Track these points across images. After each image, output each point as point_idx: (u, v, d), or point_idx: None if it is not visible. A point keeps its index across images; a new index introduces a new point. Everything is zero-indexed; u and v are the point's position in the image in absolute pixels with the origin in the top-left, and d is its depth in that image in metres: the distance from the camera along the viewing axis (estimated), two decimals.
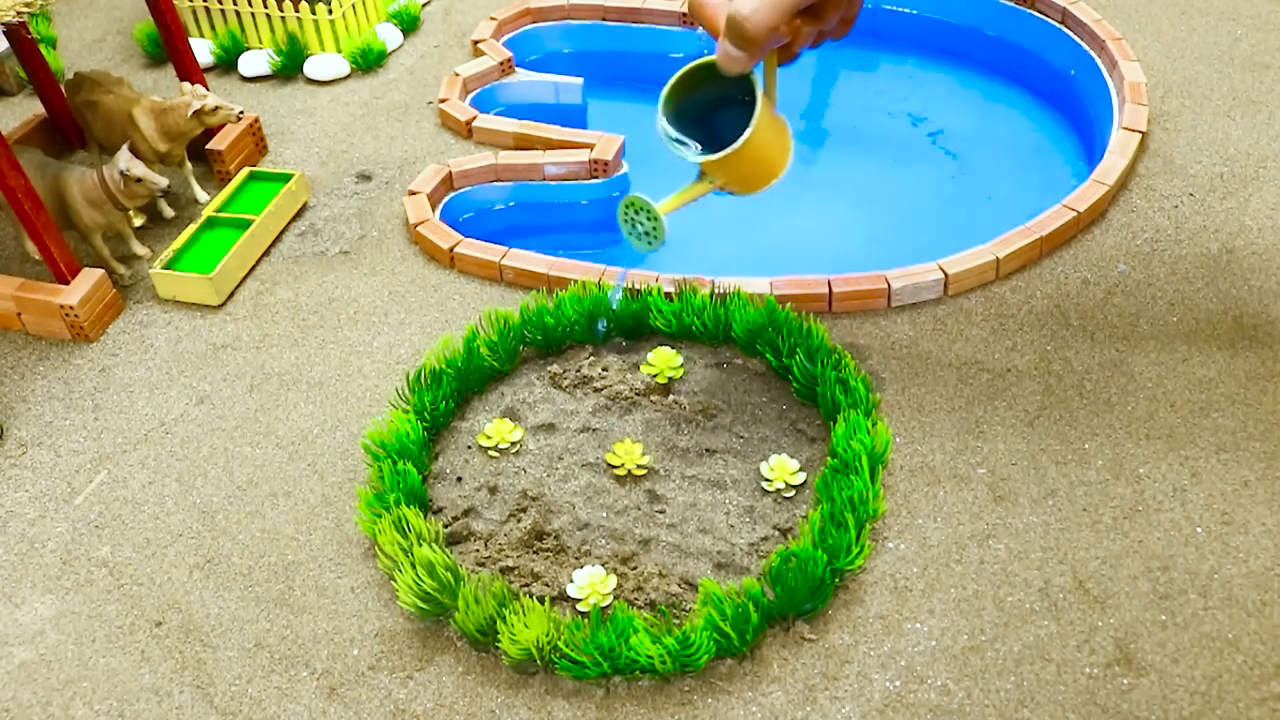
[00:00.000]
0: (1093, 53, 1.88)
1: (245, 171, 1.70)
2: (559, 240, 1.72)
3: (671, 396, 1.31)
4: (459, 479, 1.22)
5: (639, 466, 1.22)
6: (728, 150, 0.97)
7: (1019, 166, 1.83)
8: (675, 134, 1.02)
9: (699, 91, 1.02)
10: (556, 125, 1.78)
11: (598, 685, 1.03)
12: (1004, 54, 2.05)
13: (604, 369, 1.34)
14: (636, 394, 1.31)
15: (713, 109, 1.03)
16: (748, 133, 0.96)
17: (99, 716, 1.05)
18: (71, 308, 1.45)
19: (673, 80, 1.01)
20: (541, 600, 1.07)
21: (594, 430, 1.27)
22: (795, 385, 1.28)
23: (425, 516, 1.16)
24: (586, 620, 1.05)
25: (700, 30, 2.05)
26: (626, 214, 1.04)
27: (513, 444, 1.26)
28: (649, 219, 1.03)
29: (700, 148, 1.02)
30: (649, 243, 1.04)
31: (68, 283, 1.46)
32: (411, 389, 1.28)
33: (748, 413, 1.28)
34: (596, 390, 1.32)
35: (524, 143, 1.76)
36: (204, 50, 2.03)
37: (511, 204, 1.72)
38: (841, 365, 1.27)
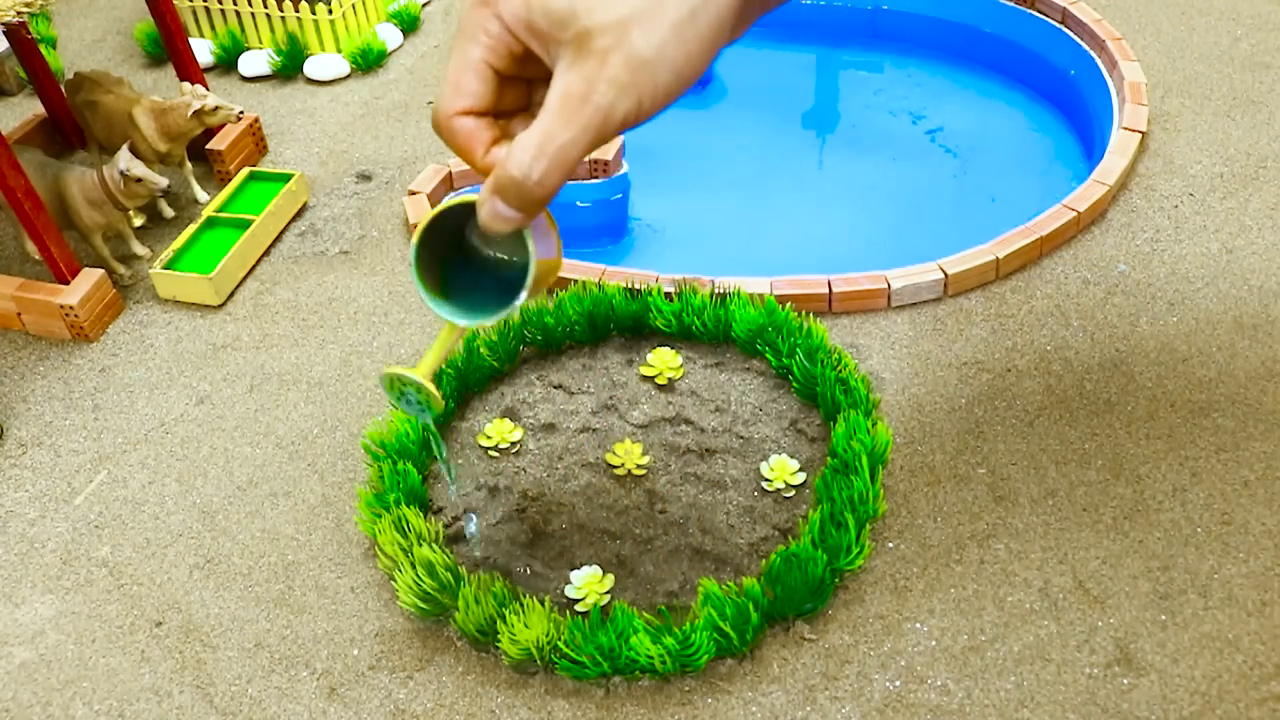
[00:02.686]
0: (1093, 53, 1.88)
1: (245, 171, 1.70)
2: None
3: (671, 396, 1.31)
4: (453, 502, 1.22)
5: (639, 466, 1.22)
6: (513, 307, 0.80)
7: (1019, 166, 1.83)
8: (445, 302, 0.84)
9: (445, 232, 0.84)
10: None
11: (598, 685, 1.03)
12: (1004, 54, 2.05)
13: (604, 369, 1.34)
14: (637, 394, 1.31)
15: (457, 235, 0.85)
16: (523, 294, 0.80)
17: (99, 716, 1.05)
18: (71, 308, 1.45)
19: (422, 226, 0.82)
20: (541, 600, 1.07)
21: (594, 430, 1.27)
22: (795, 385, 1.28)
23: (425, 516, 1.16)
24: (586, 620, 1.05)
25: None
26: (393, 391, 0.89)
27: (513, 444, 1.26)
28: (417, 390, 0.87)
29: (506, 305, 0.81)
30: (422, 410, 0.89)
31: (68, 283, 1.46)
32: None
33: (748, 413, 1.28)
34: (596, 390, 1.32)
35: None
36: (204, 50, 2.03)
37: None
38: (841, 365, 1.27)
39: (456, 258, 0.86)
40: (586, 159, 1.67)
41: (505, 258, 0.85)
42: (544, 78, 0.74)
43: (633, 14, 0.70)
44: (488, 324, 0.82)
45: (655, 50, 0.70)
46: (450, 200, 0.80)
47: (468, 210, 0.79)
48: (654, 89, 0.72)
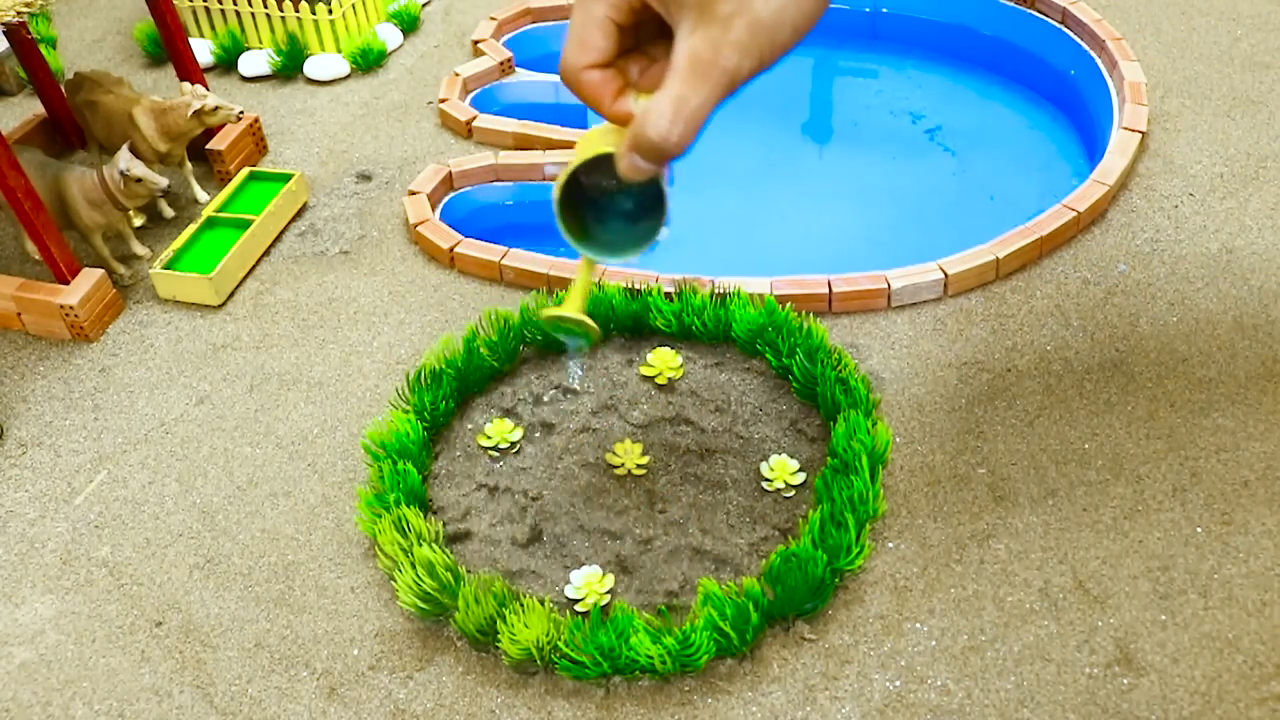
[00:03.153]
0: (1093, 53, 1.88)
1: (245, 171, 1.70)
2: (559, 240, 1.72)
3: (671, 396, 1.31)
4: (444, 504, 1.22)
5: (639, 466, 1.22)
6: (659, 238, 0.89)
7: (1019, 166, 1.83)
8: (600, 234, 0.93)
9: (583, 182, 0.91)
10: (556, 125, 1.78)
11: (598, 685, 1.03)
12: (1004, 54, 2.05)
13: (604, 369, 1.34)
14: (637, 394, 1.31)
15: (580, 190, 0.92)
16: (664, 231, 0.89)
17: (99, 716, 1.05)
18: (71, 308, 1.45)
19: (563, 175, 0.88)
20: (541, 600, 1.07)
21: (594, 430, 1.27)
22: (795, 385, 1.28)
23: (425, 516, 1.16)
24: (586, 620, 1.05)
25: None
26: (557, 331, 1.01)
27: (513, 444, 1.26)
28: (577, 325, 0.99)
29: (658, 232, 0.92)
30: (585, 338, 1.01)
31: (68, 283, 1.46)
32: (411, 389, 1.28)
33: (748, 413, 1.28)
34: (596, 390, 1.32)
35: (524, 143, 1.76)
36: (204, 50, 2.03)
37: (510, 203, 1.72)
38: (841, 365, 1.27)
39: (587, 207, 0.93)
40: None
41: (631, 208, 0.94)
42: (655, 24, 0.81)
43: None
44: (633, 258, 0.92)
45: (775, 13, 0.77)
46: (587, 153, 0.86)
47: (603, 161, 0.86)
48: (773, 46, 0.79)
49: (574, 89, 0.85)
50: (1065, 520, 1.14)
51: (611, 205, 0.94)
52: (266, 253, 1.61)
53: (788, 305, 1.35)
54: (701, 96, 0.78)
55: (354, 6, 2.03)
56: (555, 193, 0.88)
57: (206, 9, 2.04)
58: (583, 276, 0.95)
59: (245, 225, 1.58)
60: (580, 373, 1.25)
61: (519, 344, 1.36)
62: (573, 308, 0.97)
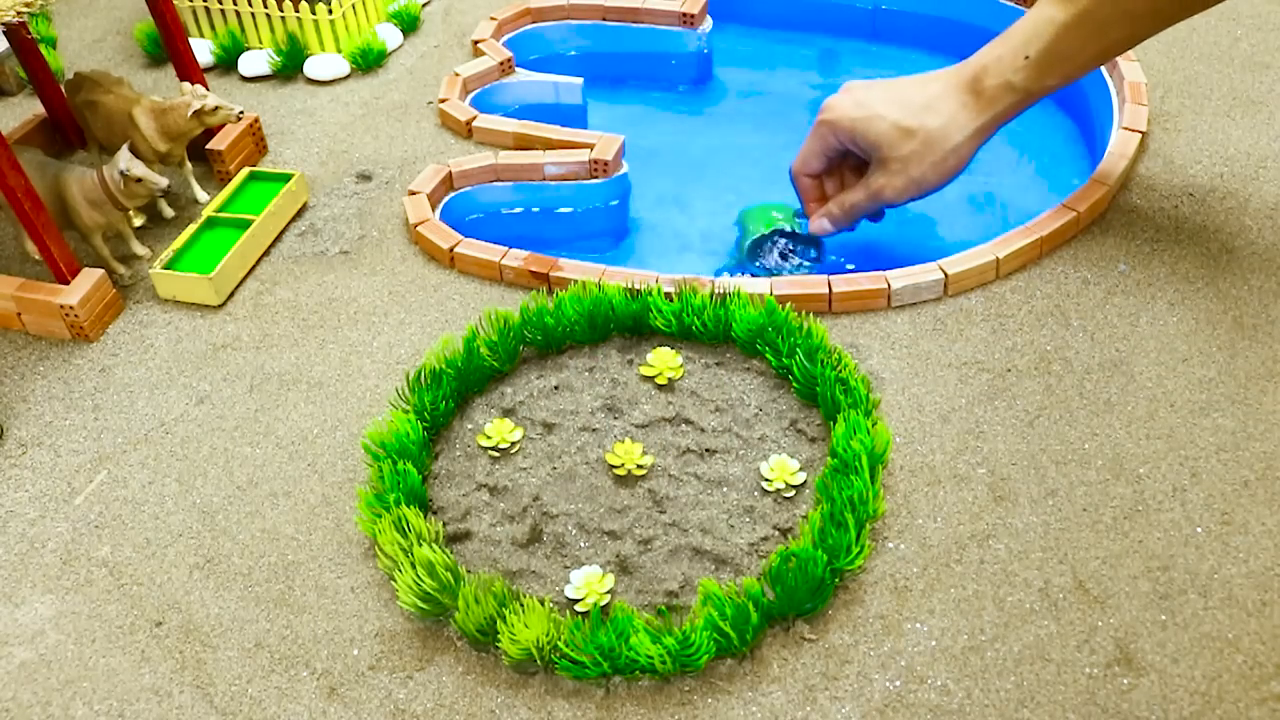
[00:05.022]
0: None
1: (245, 171, 1.70)
2: (559, 240, 1.72)
3: (671, 396, 1.31)
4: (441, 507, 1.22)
5: (639, 466, 1.22)
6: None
7: (1019, 166, 1.83)
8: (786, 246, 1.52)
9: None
10: (556, 125, 1.78)
11: (598, 685, 1.03)
12: None
13: (604, 369, 1.34)
14: (637, 394, 1.31)
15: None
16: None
17: (99, 716, 1.05)
18: (71, 308, 1.45)
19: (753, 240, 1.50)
20: (541, 601, 1.07)
21: (594, 430, 1.27)
22: (795, 385, 1.28)
23: (425, 517, 1.16)
24: (586, 620, 1.05)
25: (703, 32, 2.05)
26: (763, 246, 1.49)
27: (513, 444, 1.26)
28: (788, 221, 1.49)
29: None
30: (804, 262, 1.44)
31: (68, 283, 1.46)
32: (411, 389, 1.28)
33: (748, 413, 1.28)
34: (596, 390, 1.32)
35: (524, 143, 1.76)
36: (204, 50, 2.03)
37: (517, 209, 1.72)
38: (841, 365, 1.27)
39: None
40: (587, 159, 1.67)
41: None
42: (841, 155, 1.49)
43: (912, 154, 1.37)
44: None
45: (923, 175, 1.40)
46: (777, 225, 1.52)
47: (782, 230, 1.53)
48: (919, 189, 1.42)
49: (795, 184, 1.52)
50: (1065, 520, 1.15)
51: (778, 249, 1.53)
52: (266, 253, 1.61)
53: (788, 305, 1.35)
54: (863, 207, 1.46)
55: (354, 6, 2.03)
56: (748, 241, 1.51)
57: (206, 9, 2.04)
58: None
59: (245, 225, 1.58)
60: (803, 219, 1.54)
61: (519, 344, 1.36)
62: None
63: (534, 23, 2.12)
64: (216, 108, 1.60)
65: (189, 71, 1.71)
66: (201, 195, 1.73)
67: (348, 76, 2.01)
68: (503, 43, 2.04)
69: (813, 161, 1.44)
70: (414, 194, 1.64)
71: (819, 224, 1.46)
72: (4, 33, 1.85)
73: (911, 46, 2.13)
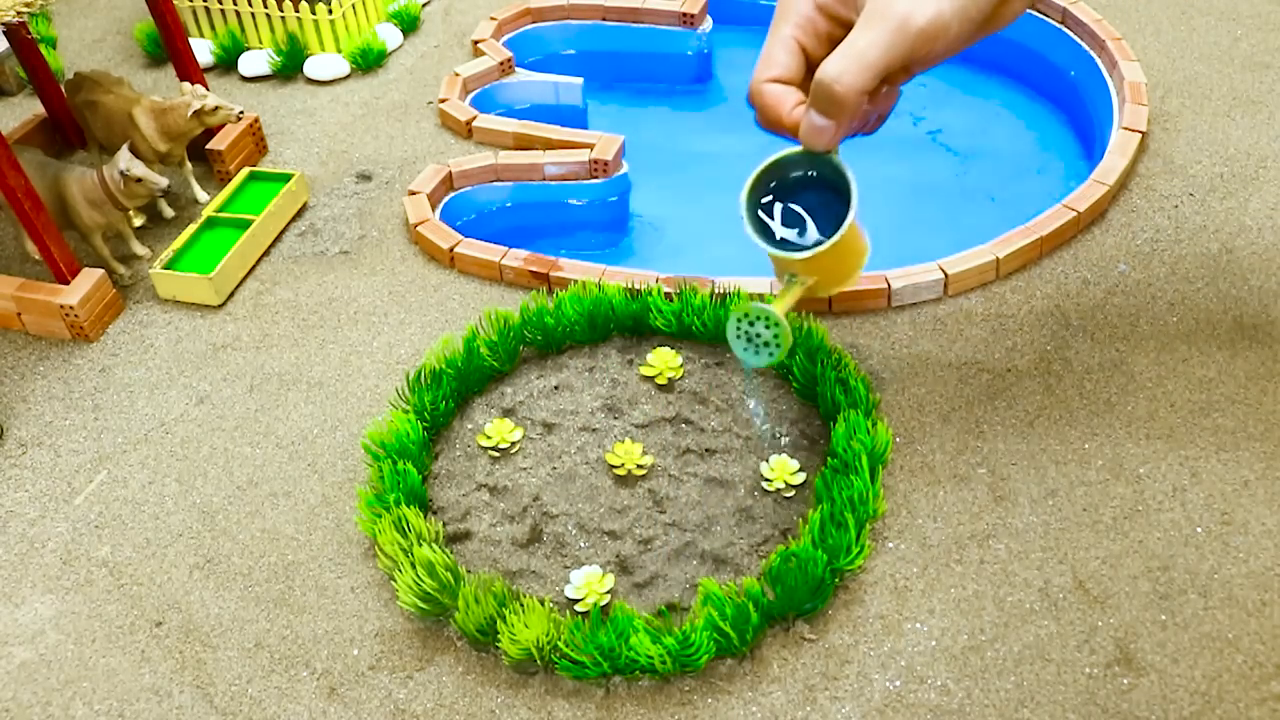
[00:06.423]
0: (1093, 53, 1.88)
1: (245, 171, 1.70)
2: (559, 240, 1.72)
3: (671, 396, 1.31)
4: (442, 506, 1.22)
5: (639, 466, 1.22)
6: (840, 232, 0.89)
7: (1019, 166, 1.83)
8: (779, 232, 0.93)
9: (764, 190, 0.94)
10: (556, 125, 1.78)
11: (598, 685, 1.03)
12: (1004, 54, 2.05)
13: (604, 369, 1.34)
14: (637, 394, 1.31)
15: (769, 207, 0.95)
16: (853, 211, 0.89)
17: (99, 716, 1.05)
18: (71, 308, 1.45)
19: (753, 176, 0.92)
20: (541, 601, 1.07)
21: (594, 430, 1.27)
22: (795, 385, 1.28)
23: (425, 516, 1.16)
24: (586, 620, 1.05)
25: (703, 32, 2.05)
26: (740, 327, 0.95)
27: (513, 444, 1.26)
28: (769, 325, 0.93)
29: (815, 237, 0.93)
30: (770, 353, 0.94)
31: (68, 283, 1.46)
32: (411, 389, 1.28)
33: (748, 413, 1.28)
34: (596, 390, 1.32)
35: (524, 143, 1.76)
36: (204, 50, 2.03)
37: (508, 205, 1.72)
38: (841, 365, 1.27)
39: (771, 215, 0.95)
40: (587, 159, 1.67)
41: (815, 203, 0.94)
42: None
43: None
44: (825, 246, 0.90)
45: None
46: (770, 158, 0.90)
47: (788, 163, 0.90)
48: (952, 1, 0.78)
49: (755, 101, 0.87)
50: (1065, 520, 1.14)
51: (799, 202, 0.95)
52: (266, 253, 1.61)
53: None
54: (868, 36, 0.78)
55: (354, 6, 2.03)
56: (743, 197, 0.92)
57: (206, 9, 2.04)
58: (788, 291, 0.92)
59: (245, 225, 1.58)
60: (763, 413, 1.15)
61: (519, 344, 1.36)
62: (778, 306, 0.92)
63: (534, 23, 2.12)
64: (216, 108, 1.60)
65: (189, 71, 1.71)
66: (201, 195, 1.73)
67: (348, 76, 2.01)
68: (503, 43, 2.04)
69: (779, 55, 0.86)
70: (414, 194, 1.64)
71: (807, 121, 0.83)
72: (4, 33, 1.85)
73: None
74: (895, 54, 0.78)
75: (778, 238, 0.93)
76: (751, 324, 0.94)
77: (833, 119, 0.81)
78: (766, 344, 0.94)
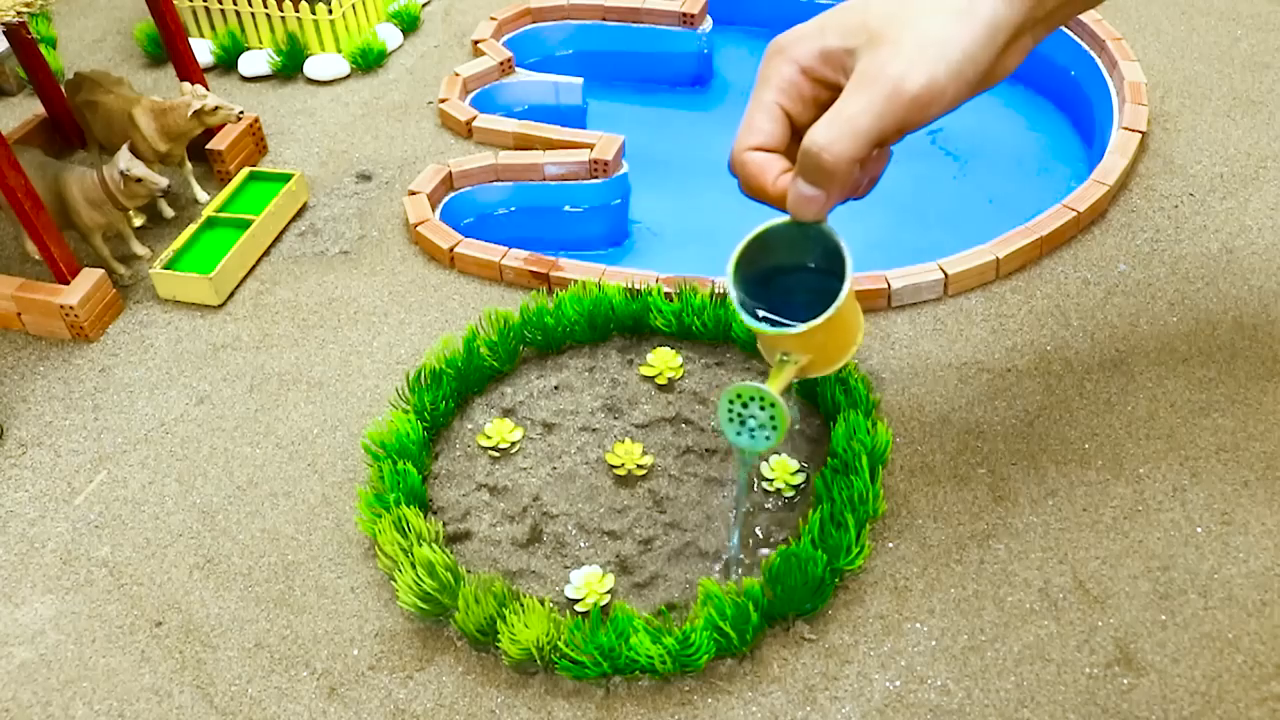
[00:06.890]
0: (1093, 53, 1.88)
1: (245, 171, 1.70)
2: (559, 240, 1.72)
3: (671, 396, 1.31)
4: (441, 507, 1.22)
5: (639, 466, 1.22)
6: (830, 311, 0.83)
7: (1019, 166, 1.83)
8: (763, 312, 0.88)
9: (758, 263, 0.89)
10: (556, 125, 1.78)
11: (598, 685, 1.03)
12: None
13: (604, 369, 1.34)
14: (637, 394, 1.31)
15: (766, 282, 0.90)
16: (847, 283, 0.83)
17: (99, 716, 1.05)
18: (71, 308, 1.45)
19: (738, 250, 0.87)
20: (541, 600, 1.07)
21: (594, 430, 1.27)
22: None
23: (425, 516, 1.16)
24: (586, 620, 1.05)
25: (703, 32, 2.05)
26: (732, 409, 0.88)
27: (513, 444, 1.26)
28: (764, 406, 0.86)
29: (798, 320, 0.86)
30: (767, 437, 0.88)
31: (68, 283, 1.46)
32: (411, 389, 1.28)
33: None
34: (596, 390, 1.32)
35: (524, 143, 1.76)
36: (204, 50, 2.03)
37: (512, 209, 1.72)
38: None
39: (761, 290, 0.89)
40: (587, 159, 1.67)
41: (811, 271, 0.89)
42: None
43: (919, 9, 0.75)
44: (818, 321, 0.83)
45: (944, 30, 0.75)
46: (757, 230, 0.86)
47: (775, 235, 0.85)
48: (947, 64, 0.76)
49: (738, 171, 0.84)
50: (1065, 520, 1.14)
51: (789, 282, 0.89)
52: (266, 253, 1.61)
53: None
54: (860, 105, 0.74)
55: (354, 6, 2.03)
56: (729, 270, 0.87)
57: (206, 9, 2.04)
58: (780, 372, 0.87)
59: (245, 225, 1.58)
60: (745, 501, 1.08)
61: (519, 344, 1.36)
62: (772, 386, 0.86)
63: (534, 23, 2.12)
64: (216, 108, 1.60)
65: (189, 71, 1.71)
66: (201, 195, 1.73)
67: (348, 76, 2.01)
68: (503, 43, 2.04)
69: (762, 123, 0.82)
70: (414, 194, 1.64)
71: (794, 191, 0.80)
72: (4, 33, 1.85)
73: None
74: (888, 122, 0.75)
75: (762, 315, 0.88)
76: (745, 405, 0.87)
77: (822, 188, 0.78)
78: (762, 426, 0.88)
